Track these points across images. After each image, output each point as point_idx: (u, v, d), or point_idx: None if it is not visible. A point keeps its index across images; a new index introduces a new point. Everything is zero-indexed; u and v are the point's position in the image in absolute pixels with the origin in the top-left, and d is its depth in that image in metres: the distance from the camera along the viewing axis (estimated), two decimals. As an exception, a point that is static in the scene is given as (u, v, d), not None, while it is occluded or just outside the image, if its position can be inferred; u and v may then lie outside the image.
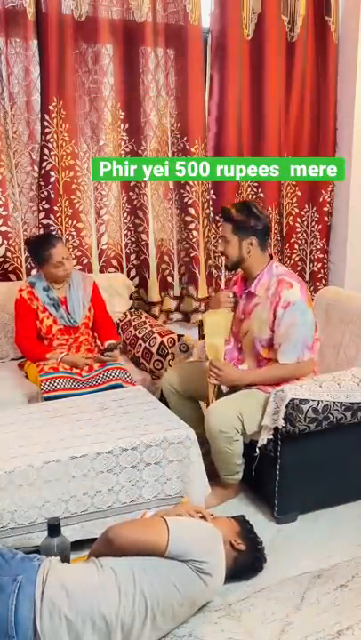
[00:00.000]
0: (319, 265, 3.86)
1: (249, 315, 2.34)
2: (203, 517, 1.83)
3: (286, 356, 2.25)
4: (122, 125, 3.26)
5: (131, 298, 3.37)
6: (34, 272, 3.13)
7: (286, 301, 2.22)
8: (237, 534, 1.85)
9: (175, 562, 1.62)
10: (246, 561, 1.84)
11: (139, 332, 3.04)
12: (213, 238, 3.55)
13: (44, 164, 3.08)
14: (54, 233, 3.07)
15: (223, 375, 2.30)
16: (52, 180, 3.09)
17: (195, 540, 1.68)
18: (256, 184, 3.63)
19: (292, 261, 3.85)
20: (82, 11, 3.03)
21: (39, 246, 2.69)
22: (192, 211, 3.40)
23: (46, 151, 3.06)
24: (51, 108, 3.02)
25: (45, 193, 3.11)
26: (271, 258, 2.37)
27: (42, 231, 3.12)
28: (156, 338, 2.91)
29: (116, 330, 3.03)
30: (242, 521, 1.93)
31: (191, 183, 3.37)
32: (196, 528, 1.76)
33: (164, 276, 3.51)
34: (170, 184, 3.41)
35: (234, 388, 2.39)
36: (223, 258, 2.38)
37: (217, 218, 3.54)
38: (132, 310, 3.33)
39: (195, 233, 3.42)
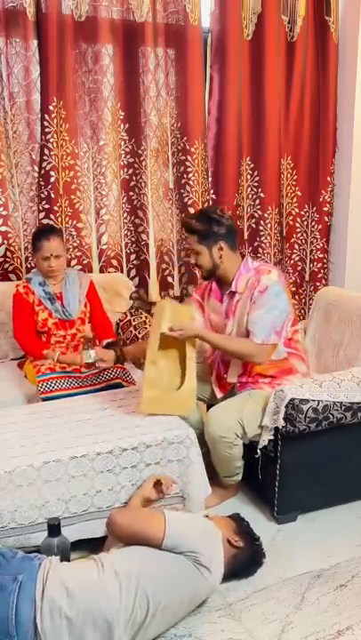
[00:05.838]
0: (319, 265, 3.86)
1: (233, 313, 2.32)
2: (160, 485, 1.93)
3: (255, 335, 2.21)
4: (122, 125, 3.26)
5: (131, 298, 3.37)
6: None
7: (264, 285, 2.21)
8: (234, 532, 1.87)
9: (174, 555, 1.64)
10: (245, 557, 1.86)
11: (139, 332, 3.04)
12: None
13: (44, 163, 3.08)
14: (58, 227, 3.07)
15: (185, 328, 2.22)
16: (52, 179, 3.09)
17: (191, 534, 1.70)
18: (256, 184, 3.63)
19: (292, 261, 3.84)
20: (82, 11, 3.03)
21: (37, 235, 2.72)
22: (192, 211, 3.39)
23: (46, 151, 3.06)
24: (51, 107, 3.02)
25: (45, 193, 3.11)
26: (243, 256, 2.36)
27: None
28: (155, 338, 2.90)
29: (113, 328, 3.03)
30: (237, 518, 1.95)
31: (191, 183, 3.37)
32: (193, 523, 1.79)
33: (164, 276, 3.51)
34: (170, 184, 3.42)
35: (231, 392, 2.39)
36: (197, 270, 2.33)
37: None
38: (132, 310, 3.33)
39: (195, 233, 3.42)
